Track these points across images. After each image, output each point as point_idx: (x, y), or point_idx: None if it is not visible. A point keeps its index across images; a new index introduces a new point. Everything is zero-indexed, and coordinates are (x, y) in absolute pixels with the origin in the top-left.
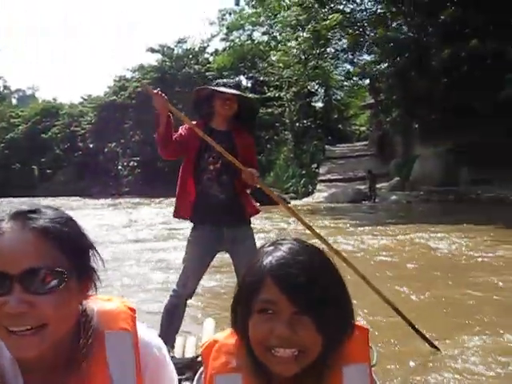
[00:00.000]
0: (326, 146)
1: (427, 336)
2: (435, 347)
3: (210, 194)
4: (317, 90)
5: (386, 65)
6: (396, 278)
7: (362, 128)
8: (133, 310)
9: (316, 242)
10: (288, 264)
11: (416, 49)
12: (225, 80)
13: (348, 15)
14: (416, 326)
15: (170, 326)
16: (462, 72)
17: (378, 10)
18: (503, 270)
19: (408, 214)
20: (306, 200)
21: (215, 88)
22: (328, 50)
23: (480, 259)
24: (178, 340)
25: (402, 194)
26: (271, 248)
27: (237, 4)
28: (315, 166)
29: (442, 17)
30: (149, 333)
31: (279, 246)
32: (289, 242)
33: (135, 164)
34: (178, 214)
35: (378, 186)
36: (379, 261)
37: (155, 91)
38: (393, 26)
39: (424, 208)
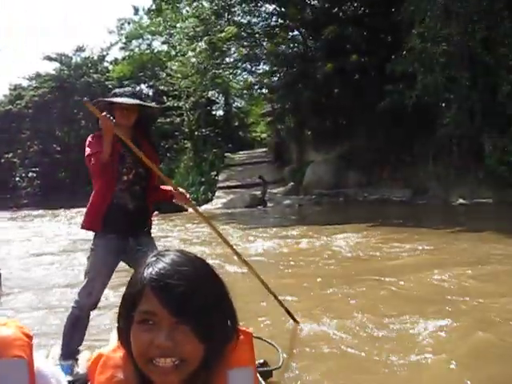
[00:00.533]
0: (226, 154)
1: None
2: (296, 321)
3: (121, 204)
4: (217, 98)
5: (278, 76)
6: (292, 275)
7: (263, 135)
8: (29, 337)
9: (203, 251)
10: (168, 275)
11: (302, 62)
12: (122, 90)
13: (244, 27)
14: (289, 311)
15: (73, 338)
16: (349, 84)
17: (272, 23)
18: (394, 264)
19: (300, 216)
20: (205, 207)
21: (112, 99)
22: (227, 59)
23: (372, 255)
24: (84, 354)
25: (295, 198)
26: (153, 259)
27: (135, 13)
28: (215, 173)
29: (326, 33)
30: (47, 362)
31: (161, 258)
32: (171, 254)
33: (34, 175)
34: (85, 226)
35: (274, 191)
36: (276, 261)
37: (103, 114)
38: (283, 39)
39: (315, 210)
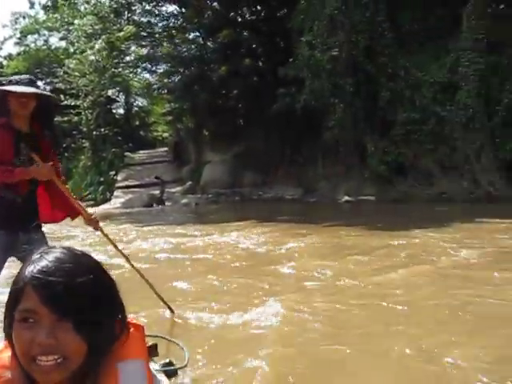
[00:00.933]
0: (127, 153)
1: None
2: (172, 311)
3: (9, 198)
4: (117, 97)
5: (176, 77)
6: (192, 271)
7: (165, 134)
8: None
9: (107, 250)
10: (49, 272)
11: (199, 64)
12: (18, 77)
13: (144, 27)
14: (167, 303)
15: None
16: (245, 86)
17: (171, 24)
18: (287, 257)
19: (197, 215)
20: (103, 207)
21: (7, 88)
22: (128, 58)
23: (267, 249)
24: None
25: (192, 197)
26: (37, 257)
27: (31, 7)
28: (114, 173)
29: (221, 36)
30: None
31: (44, 255)
32: (56, 251)
33: None
34: None
35: (173, 190)
36: (174, 257)
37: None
38: (182, 41)
39: (211, 209)
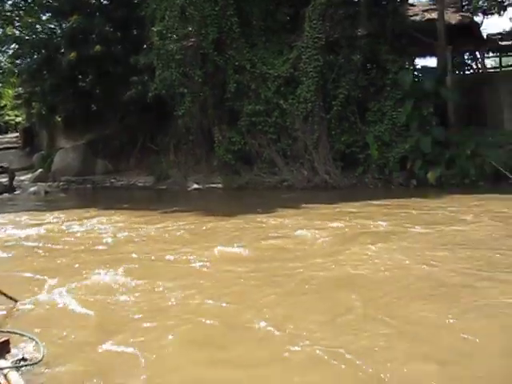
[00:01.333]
0: None
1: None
2: (15, 300)
3: None
4: None
5: (24, 60)
6: (46, 257)
7: (19, 119)
8: None
9: None
10: None
11: (47, 48)
12: None
13: None
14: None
15: None
16: (98, 73)
17: (21, 4)
18: (141, 243)
19: (47, 203)
20: None
21: None
22: None
23: (120, 237)
24: None
25: (42, 185)
26: None
27: None
28: None
29: (71, 21)
30: None
31: None
32: None
33: None
34: None
35: (23, 178)
36: (19, 246)
37: None
38: (31, 23)
39: (61, 196)
